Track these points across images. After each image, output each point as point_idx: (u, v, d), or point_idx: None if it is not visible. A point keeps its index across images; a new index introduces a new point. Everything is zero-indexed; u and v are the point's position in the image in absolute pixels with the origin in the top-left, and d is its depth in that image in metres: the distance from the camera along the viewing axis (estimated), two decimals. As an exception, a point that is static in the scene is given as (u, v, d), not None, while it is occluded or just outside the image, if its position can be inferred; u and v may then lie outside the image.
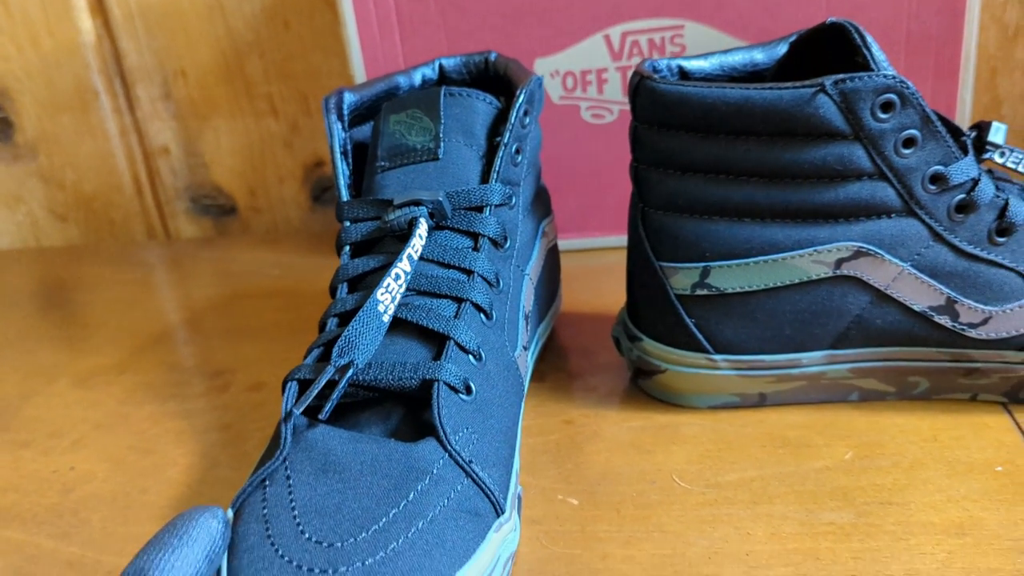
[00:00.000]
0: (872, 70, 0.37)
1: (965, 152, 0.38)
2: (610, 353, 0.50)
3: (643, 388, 0.46)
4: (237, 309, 0.64)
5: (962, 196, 0.38)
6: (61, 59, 0.75)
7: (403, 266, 0.36)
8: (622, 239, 0.63)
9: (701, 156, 0.39)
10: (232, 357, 0.57)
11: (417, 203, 0.38)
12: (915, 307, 0.40)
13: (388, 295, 0.35)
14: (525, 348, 0.43)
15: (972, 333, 0.40)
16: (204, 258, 0.75)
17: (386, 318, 0.35)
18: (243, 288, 0.68)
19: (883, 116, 0.36)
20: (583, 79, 0.60)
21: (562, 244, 0.65)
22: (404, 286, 0.36)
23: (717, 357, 0.42)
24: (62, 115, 0.77)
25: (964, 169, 0.38)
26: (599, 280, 0.60)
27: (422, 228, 0.37)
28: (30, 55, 0.75)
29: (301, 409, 0.33)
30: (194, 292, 0.68)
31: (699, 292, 0.41)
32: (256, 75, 0.74)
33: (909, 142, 0.37)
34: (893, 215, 0.38)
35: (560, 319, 0.54)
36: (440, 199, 0.38)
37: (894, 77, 0.36)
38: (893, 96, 0.36)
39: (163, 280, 0.72)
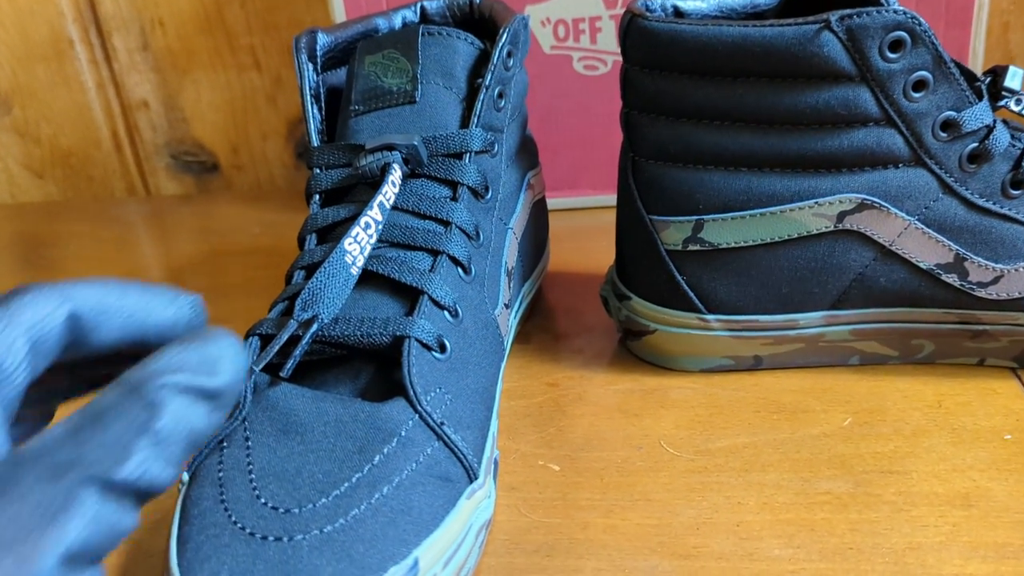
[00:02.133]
0: (881, 6, 0.35)
1: (980, 98, 0.36)
2: (599, 313, 0.48)
3: (632, 350, 0.44)
4: (218, 267, 0.62)
5: (975, 145, 0.36)
6: (35, 6, 0.72)
7: (373, 214, 0.33)
8: (614, 198, 0.60)
9: (696, 100, 0.36)
10: (212, 314, 0.54)
11: (391, 148, 0.36)
12: (921, 264, 0.37)
13: (357, 245, 0.32)
14: (507, 306, 0.40)
15: (981, 293, 0.37)
16: (185, 215, 0.73)
17: (354, 270, 0.32)
18: (224, 246, 0.66)
19: (892, 56, 0.34)
20: (575, 28, 0.57)
21: (552, 203, 0.62)
22: (375, 236, 0.33)
23: (710, 317, 0.40)
24: (36, 66, 0.74)
25: (978, 115, 0.35)
26: (590, 240, 0.57)
27: (395, 175, 0.35)
28: (2, 2, 0.72)
29: (261, 366, 0.31)
30: (174, 249, 0.66)
31: (691, 247, 0.39)
32: (238, 26, 0.71)
33: (919, 85, 0.34)
34: (900, 165, 0.36)
35: (547, 279, 0.52)
36: (415, 143, 0.36)
37: (904, 13, 0.33)
38: (903, 34, 0.33)
39: (143, 237, 0.70)
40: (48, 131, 0.77)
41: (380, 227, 0.33)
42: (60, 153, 0.78)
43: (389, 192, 0.34)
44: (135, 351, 0.23)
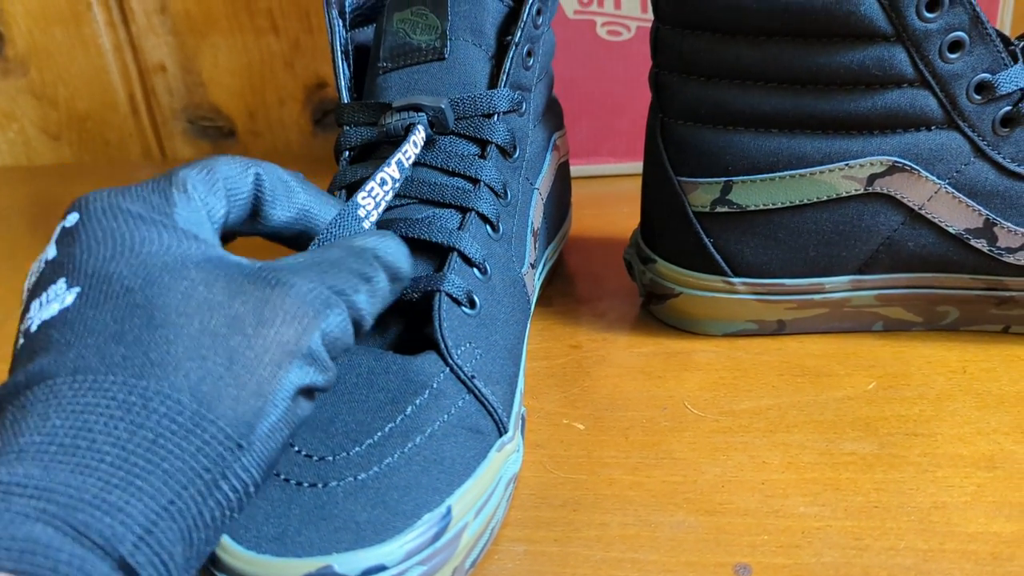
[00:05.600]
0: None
1: (1015, 61, 0.35)
2: (621, 279, 0.48)
3: (655, 314, 0.44)
4: (233, 231, 0.62)
5: (1008, 108, 0.35)
6: (52, -33, 0.72)
7: (391, 171, 0.33)
8: (636, 166, 0.60)
9: (727, 60, 0.36)
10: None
11: (417, 108, 0.36)
12: (951, 229, 0.37)
13: (371, 200, 0.32)
14: (532, 266, 0.40)
15: (1010, 259, 0.37)
16: (201, 180, 0.73)
17: (367, 224, 0.32)
18: (240, 210, 0.65)
19: (929, 15, 0.33)
20: (599, -7, 0.56)
21: (573, 170, 0.62)
22: (391, 193, 0.32)
23: (735, 280, 0.40)
24: (54, 27, 0.74)
25: (1013, 78, 0.35)
26: (611, 207, 0.57)
27: (418, 135, 0.34)
28: (19, -37, 0.72)
29: None
30: (190, 214, 0.66)
31: (719, 209, 0.39)
32: (256, -11, 0.71)
33: (955, 45, 0.34)
34: (933, 127, 0.36)
35: (568, 245, 0.52)
36: (443, 106, 0.36)
37: (943, -28, 0.33)
38: (941, -7, 0.33)
39: (158, 202, 0.70)
40: (65, 94, 0.77)
41: (398, 184, 0.33)
42: (76, 116, 0.78)
43: (410, 151, 0.34)
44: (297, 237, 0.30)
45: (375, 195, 0.32)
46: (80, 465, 0.20)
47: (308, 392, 0.25)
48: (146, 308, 0.23)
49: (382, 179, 0.32)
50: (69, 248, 0.25)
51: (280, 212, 0.29)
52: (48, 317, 0.23)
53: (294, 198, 0.30)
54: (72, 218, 0.25)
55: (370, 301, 0.27)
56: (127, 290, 0.23)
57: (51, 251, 0.25)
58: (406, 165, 0.34)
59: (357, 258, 0.27)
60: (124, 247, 0.24)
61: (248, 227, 0.29)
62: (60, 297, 0.24)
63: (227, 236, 0.29)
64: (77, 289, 0.24)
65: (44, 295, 0.24)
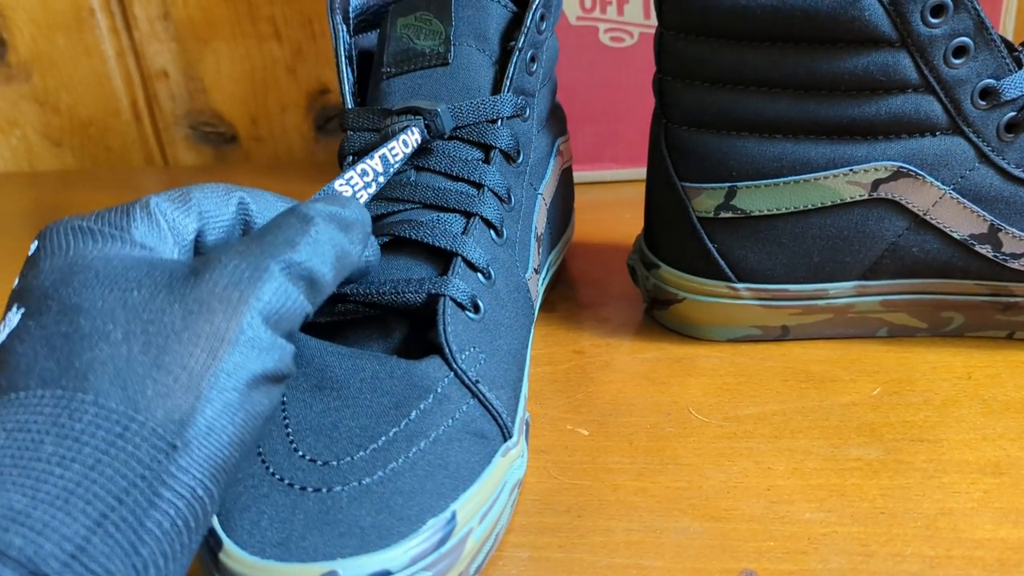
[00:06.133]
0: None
1: (1019, 66, 0.35)
2: (624, 285, 0.48)
3: (658, 319, 0.44)
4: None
5: (1013, 114, 0.35)
6: (55, -26, 0.72)
7: (373, 164, 0.32)
8: (640, 172, 0.60)
9: (731, 65, 0.36)
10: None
11: (416, 112, 0.36)
12: (955, 235, 0.37)
13: (348, 188, 0.31)
14: (536, 271, 0.40)
15: (1015, 264, 0.37)
16: (203, 186, 0.73)
17: None
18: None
19: (934, 21, 0.33)
20: (602, -1, 0.56)
21: (576, 176, 0.62)
22: (373, 187, 0.32)
23: (739, 286, 0.40)
24: (56, 34, 0.74)
25: (1018, 83, 0.35)
26: (613, 214, 0.57)
27: (410, 135, 0.34)
28: (23, -31, 0.72)
29: None
30: (192, 219, 0.66)
31: (723, 215, 0.39)
32: (259, -4, 0.71)
33: (960, 51, 0.34)
34: (938, 133, 0.36)
35: (571, 251, 0.52)
36: (439, 110, 0.35)
37: (947, -23, 0.33)
38: (946, -2, 0.33)
39: (160, 208, 0.70)
40: (67, 100, 0.77)
41: (380, 179, 0.33)
42: (79, 122, 0.78)
43: (397, 149, 0.33)
44: None
45: (353, 184, 0.31)
46: (5, 483, 0.20)
47: (267, 379, 0.24)
48: (74, 316, 0.22)
49: (363, 170, 0.32)
50: (27, 274, 0.24)
51: None
52: (0, 343, 0.23)
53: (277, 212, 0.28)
54: (33, 246, 0.25)
55: (314, 253, 0.25)
56: (59, 301, 0.23)
57: (16, 282, 0.25)
58: (391, 161, 0.33)
59: (289, 216, 0.26)
60: (66, 261, 0.24)
61: None
62: (11, 321, 0.23)
63: None
64: (23, 310, 0.23)
65: (3, 324, 0.24)
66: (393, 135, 0.35)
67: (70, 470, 0.20)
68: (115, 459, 0.21)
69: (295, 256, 0.24)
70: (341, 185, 0.31)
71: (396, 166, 0.33)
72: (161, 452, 0.21)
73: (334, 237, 0.26)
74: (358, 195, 0.31)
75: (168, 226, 0.26)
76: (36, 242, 0.25)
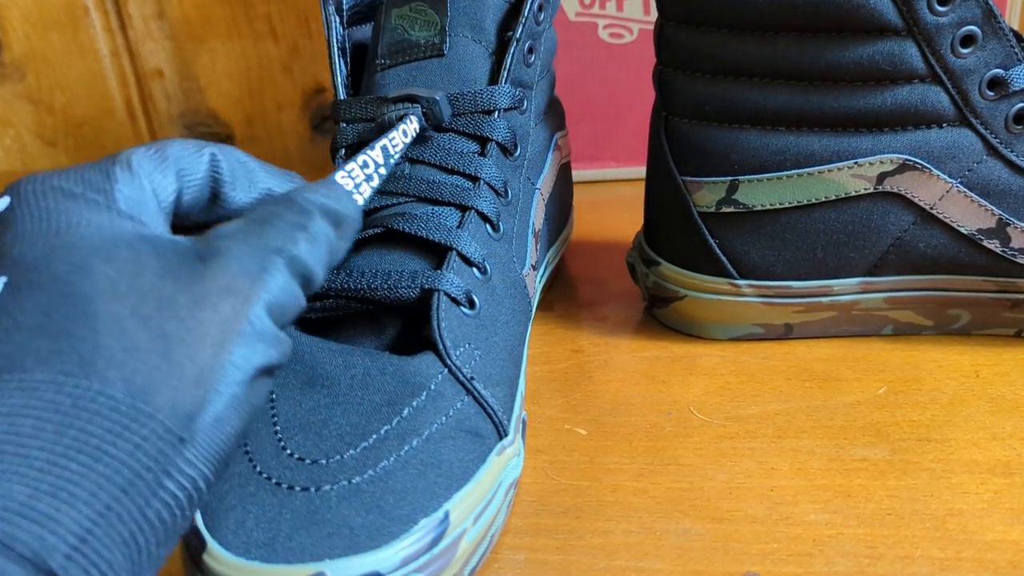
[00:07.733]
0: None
1: (1028, 56, 0.35)
2: (624, 283, 0.47)
3: (658, 318, 0.43)
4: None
5: (1022, 105, 0.34)
6: (49, -28, 0.71)
7: (374, 155, 0.31)
8: (639, 170, 0.59)
9: (733, 56, 0.35)
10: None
11: (413, 100, 0.35)
12: (962, 229, 0.36)
13: (349, 180, 0.30)
14: (534, 268, 0.39)
15: (1023, 260, 0.36)
16: (198, 186, 0.72)
17: None
18: (237, 216, 0.65)
19: (941, 9, 0.33)
20: (601, -5, 0.56)
21: (575, 175, 0.61)
22: (375, 180, 0.31)
23: (741, 282, 0.39)
24: (51, 33, 0.74)
25: (1027, 74, 0.34)
26: (613, 212, 0.56)
27: (410, 125, 0.33)
28: (17, -33, 0.71)
29: None
30: (186, 219, 0.65)
31: (725, 209, 0.38)
32: (254, -6, 0.70)
33: (968, 40, 0.33)
34: (945, 124, 0.35)
35: (570, 249, 0.51)
36: (437, 99, 0.35)
37: (955, -36, 0.32)
38: (953, -14, 0.32)
39: (154, 207, 0.69)
40: (61, 99, 0.77)
41: (382, 171, 0.31)
42: (73, 122, 0.78)
43: (398, 139, 0.32)
44: None
45: (354, 175, 0.30)
46: (7, 472, 0.19)
47: (264, 371, 0.23)
48: (73, 297, 0.21)
49: (364, 161, 0.31)
50: (2, 235, 0.23)
51: (241, 194, 0.28)
52: None
53: (255, 179, 0.28)
54: (3, 202, 0.23)
55: (311, 250, 0.25)
56: (53, 278, 0.22)
57: None
58: (391, 152, 0.32)
59: (289, 207, 0.25)
60: (52, 229, 0.22)
61: (209, 212, 0.28)
62: None
63: (186, 223, 0.27)
64: (4, 279, 0.22)
65: None
66: (391, 124, 0.34)
67: (74, 460, 0.20)
68: (121, 450, 0.20)
69: (299, 252, 0.24)
70: (343, 177, 0.30)
71: (396, 157, 0.32)
72: (168, 445, 0.21)
73: (327, 233, 0.26)
74: (359, 188, 0.30)
75: (152, 188, 0.25)
76: (7, 198, 0.23)
